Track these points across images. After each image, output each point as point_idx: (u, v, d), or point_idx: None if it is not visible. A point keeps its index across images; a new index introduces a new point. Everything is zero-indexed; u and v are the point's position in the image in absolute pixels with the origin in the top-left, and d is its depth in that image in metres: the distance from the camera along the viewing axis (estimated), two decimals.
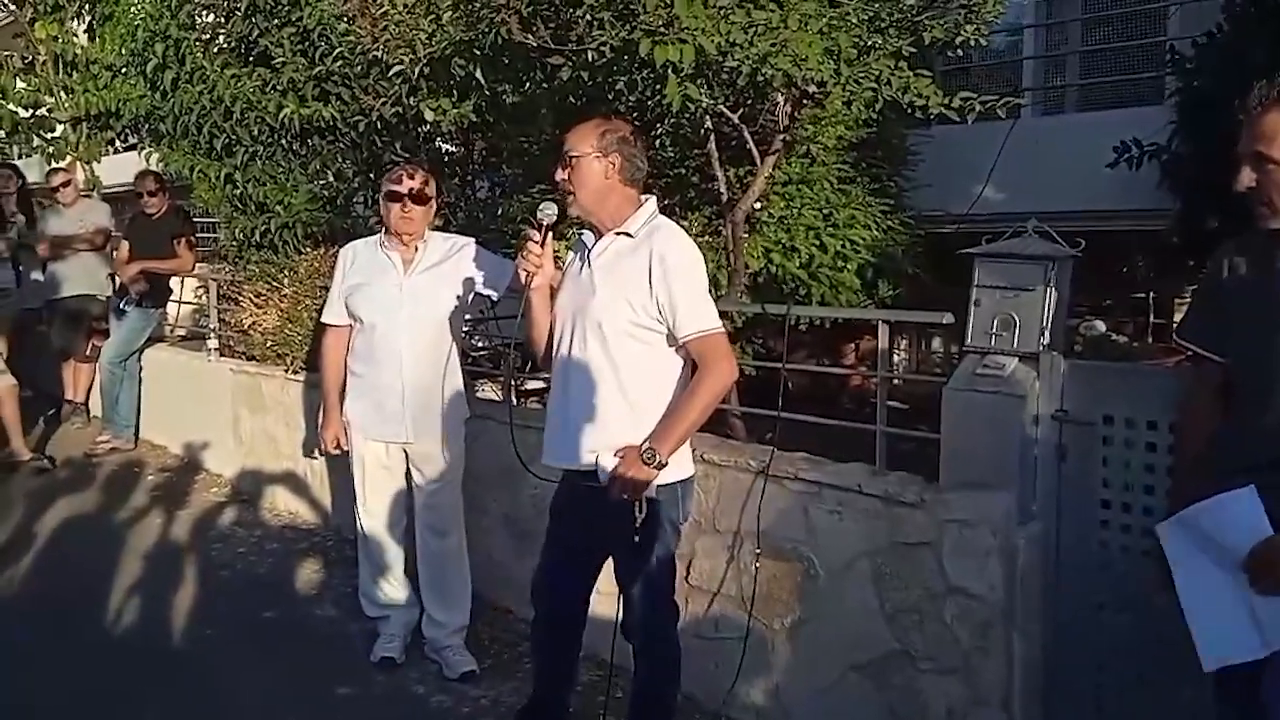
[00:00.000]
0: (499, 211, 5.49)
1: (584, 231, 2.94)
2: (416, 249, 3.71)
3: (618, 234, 2.82)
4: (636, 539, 2.76)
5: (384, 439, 3.75)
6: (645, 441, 2.72)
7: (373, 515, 3.85)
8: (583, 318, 2.82)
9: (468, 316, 3.99)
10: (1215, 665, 2.16)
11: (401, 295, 3.67)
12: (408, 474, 3.82)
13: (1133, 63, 5.88)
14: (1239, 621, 2.12)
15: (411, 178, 3.67)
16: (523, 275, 2.87)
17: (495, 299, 3.82)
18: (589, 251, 2.87)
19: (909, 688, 3.06)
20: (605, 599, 3.20)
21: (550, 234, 2.87)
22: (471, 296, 3.71)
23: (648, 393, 2.80)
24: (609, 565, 3.02)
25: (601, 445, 2.78)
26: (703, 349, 2.75)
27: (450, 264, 3.70)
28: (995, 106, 3.48)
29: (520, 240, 2.87)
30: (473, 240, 3.84)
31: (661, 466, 2.71)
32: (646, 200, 2.88)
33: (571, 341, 2.85)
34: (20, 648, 3.98)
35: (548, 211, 2.85)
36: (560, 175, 2.82)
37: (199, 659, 3.96)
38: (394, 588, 3.92)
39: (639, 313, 2.75)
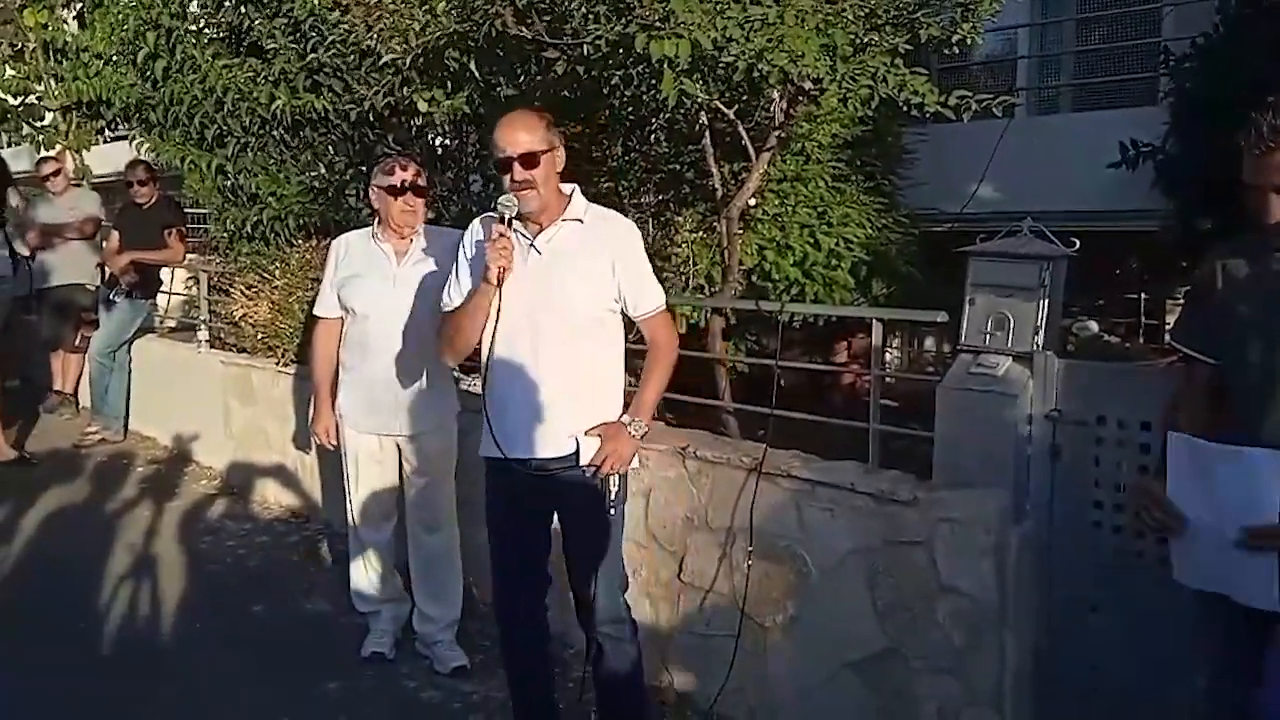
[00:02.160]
0: (492, 206, 5.46)
1: (514, 220, 2.88)
2: (410, 241, 3.70)
3: (565, 220, 2.86)
4: (612, 512, 2.89)
5: (376, 431, 3.74)
6: (625, 415, 2.88)
7: (364, 509, 3.83)
8: (545, 305, 2.84)
9: None
10: (1182, 580, 2.22)
11: (395, 288, 3.65)
12: (399, 468, 3.81)
13: (1127, 63, 5.88)
14: (1209, 555, 2.14)
15: (405, 169, 3.66)
16: (495, 272, 2.79)
17: None
18: (530, 241, 2.86)
19: (901, 686, 3.06)
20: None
21: (510, 226, 2.83)
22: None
23: (610, 371, 2.95)
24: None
25: (579, 427, 2.86)
26: (657, 323, 2.95)
27: (444, 257, 3.68)
28: (991, 105, 3.48)
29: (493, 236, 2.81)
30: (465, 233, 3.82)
31: (644, 435, 2.90)
32: (571, 186, 2.94)
33: (534, 331, 2.84)
34: (5, 643, 3.95)
35: (508, 205, 2.80)
36: (524, 175, 2.77)
37: (187, 653, 3.94)
38: (385, 582, 3.91)
39: (603, 295, 2.86)
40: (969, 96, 3.44)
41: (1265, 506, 2.05)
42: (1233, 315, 2.24)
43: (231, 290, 6.15)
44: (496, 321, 2.84)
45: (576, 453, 2.85)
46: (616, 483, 2.88)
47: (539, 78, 4.20)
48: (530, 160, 2.77)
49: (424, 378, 3.68)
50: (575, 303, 2.84)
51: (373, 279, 3.69)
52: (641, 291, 2.90)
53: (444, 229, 3.89)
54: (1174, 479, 2.20)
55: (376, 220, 3.76)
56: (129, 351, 7.00)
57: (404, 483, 3.83)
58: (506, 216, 2.80)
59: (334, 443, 3.86)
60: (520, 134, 2.80)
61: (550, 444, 2.87)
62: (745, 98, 3.98)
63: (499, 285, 2.80)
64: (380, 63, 4.27)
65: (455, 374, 3.90)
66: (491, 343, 2.87)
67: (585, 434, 2.84)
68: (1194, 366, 2.40)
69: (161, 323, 7.71)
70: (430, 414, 3.70)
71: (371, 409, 3.72)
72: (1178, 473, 2.20)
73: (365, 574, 3.91)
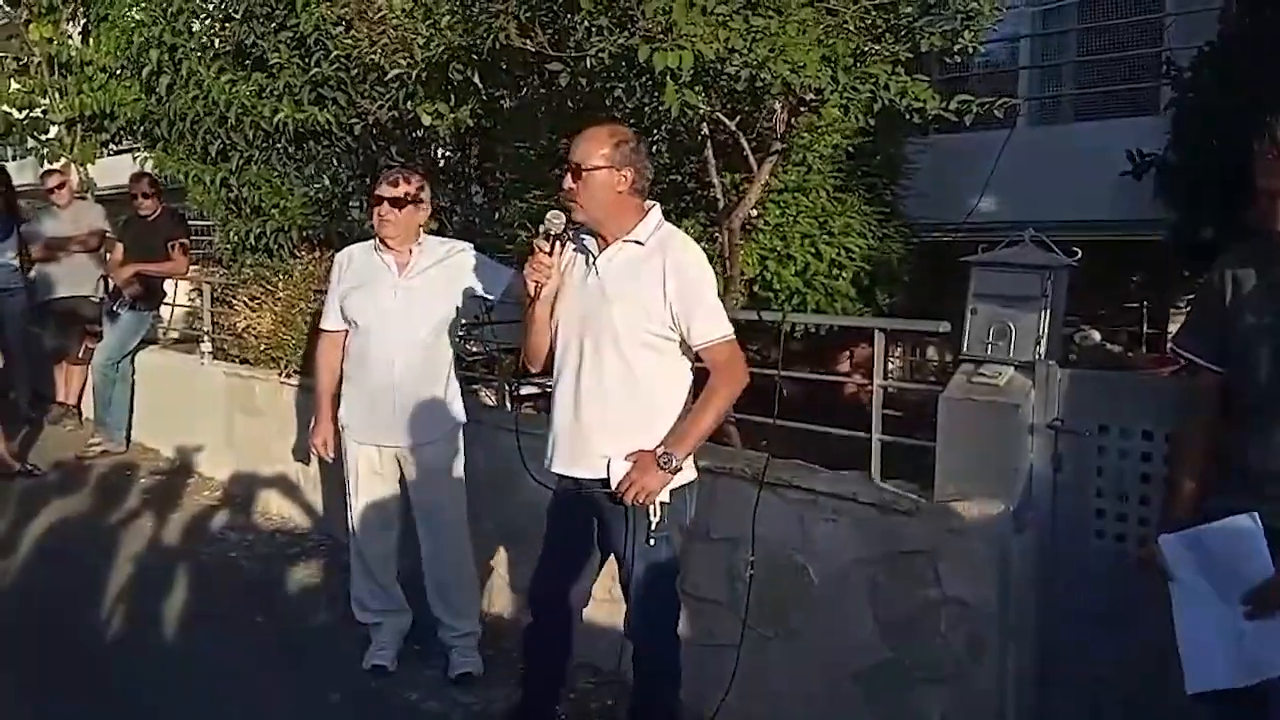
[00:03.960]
0: (495, 217, 5.48)
1: (585, 236, 2.91)
2: (411, 252, 3.70)
3: (627, 241, 2.82)
4: (650, 542, 2.79)
5: (375, 443, 3.75)
6: (660, 446, 2.76)
7: (365, 521, 3.83)
8: (594, 325, 2.82)
9: (463, 321, 3.98)
10: (1199, 688, 2.18)
11: (395, 299, 3.66)
12: (401, 479, 3.80)
13: (1129, 73, 5.89)
14: (1228, 648, 2.14)
15: (396, 184, 3.66)
16: (531, 286, 2.83)
17: (490, 304, 3.81)
18: (594, 258, 2.86)
19: (903, 697, 3.06)
20: (602, 605, 3.19)
21: (558, 243, 2.85)
22: (466, 302, 3.70)
23: (660, 398, 2.84)
24: (609, 570, 3.02)
25: (615, 451, 2.79)
26: (717, 355, 2.80)
27: (445, 268, 3.69)
28: (992, 108, 3.48)
29: (532, 250, 2.83)
30: (469, 246, 3.82)
31: (677, 470, 2.76)
32: (651, 207, 2.89)
33: (582, 349, 2.85)
34: (10, 652, 3.95)
35: (555, 221, 2.80)
36: (568, 185, 2.79)
37: (189, 664, 3.93)
38: (386, 594, 3.90)
39: (654, 321, 2.78)
40: (970, 100, 3.46)
41: (1260, 567, 2.08)
42: (1240, 324, 2.24)
43: (234, 302, 6.16)
44: (555, 336, 2.89)
45: (610, 477, 2.79)
46: (656, 512, 2.77)
47: (542, 90, 4.21)
48: (576, 173, 2.77)
49: (424, 390, 3.68)
50: (620, 325, 2.79)
51: (373, 291, 3.69)
52: (696, 319, 2.77)
53: (449, 240, 3.88)
54: (1174, 585, 2.25)
55: None
56: (132, 363, 7.00)
57: (408, 494, 3.82)
58: (550, 232, 2.80)
59: (332, 454, 3.89)
60: (580, 145, 2.80)
61: (584, 463, 2.86)
62: (747, 108, 3.99)
63: (534, 299, 2.85)
64: (387, 77, 4.28)
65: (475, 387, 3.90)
66: (554, 357, 2.92)
67: (625, 458, 2.76)
68: (1198, 374, 2.40)
69: (165, 334, 7.72)
70: (430, 426, 3.69)
71: (370, 420, 3.72)
72: (1178, 576, 2.24)
73: (365, 585, 3.90)
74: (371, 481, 3.80)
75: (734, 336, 2.84)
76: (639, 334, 2.78)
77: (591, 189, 2.76)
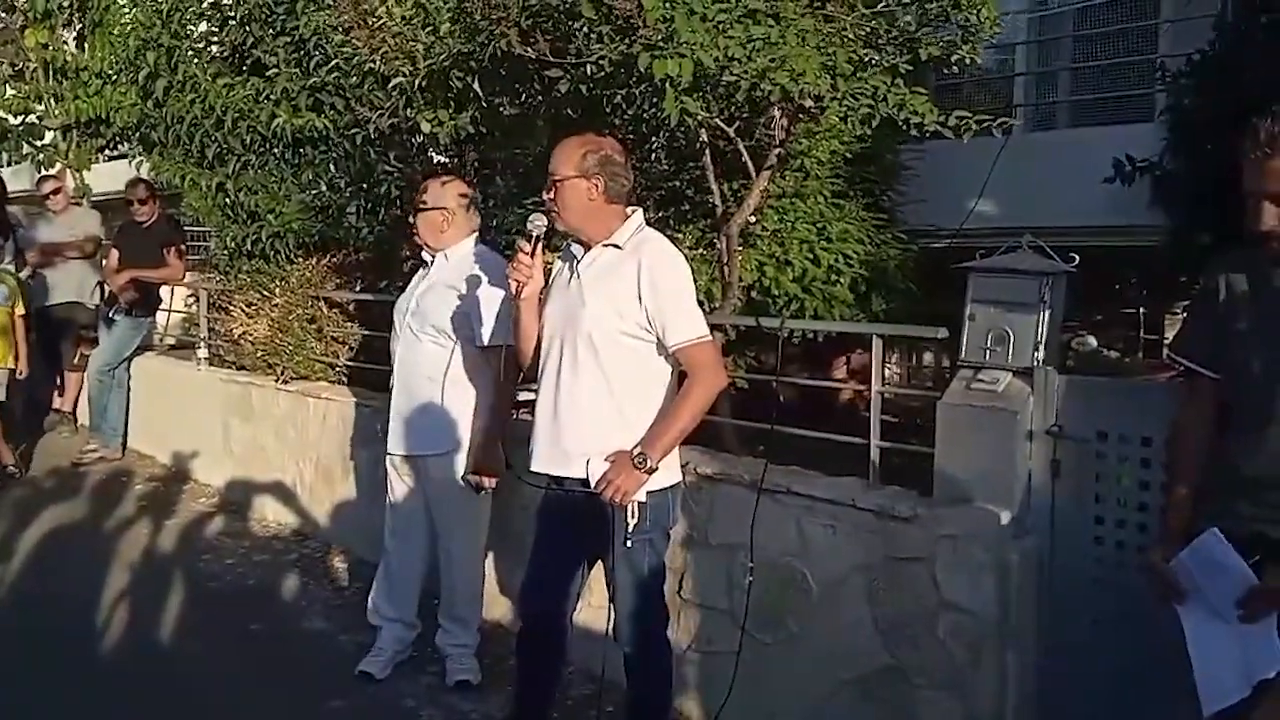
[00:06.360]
0: (493, 223, 5.48)
1: (573, 243, 2.98)
2: (435, 260, 3.74)
3: (605, 246, 2.89)
4: (629, 544, 2.81)
5: (391, 449, 3.81)
6: (636, 447, 2.78)
7: (389, 525, 3.90)
8: (572, 327, 2.87)
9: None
10: (1213, 709, 2.19)
11: (409, 307, 3.71)
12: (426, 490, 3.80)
13: (1124, 79, 5.90)
14: (1231, 664, 2.15)
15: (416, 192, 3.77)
16: (513, 285, 2.93)
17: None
18: (577, 262, 2.93)
19: (902, 703, 3.06)
20: (596, 612, 3.19)
21: (540, 245, 2.93)
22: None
23: (637, 399, 2.87)
24: (599, 575, 3.03)
25: (593, 451, 2.83)
26: (691, 357, 2.83)
27: (453, 280, 3.65)
28: (991, 126, 3.49)
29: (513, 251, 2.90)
30: (485, 277, 3.63)
31: (652, 471, 2.78)
32: (634, 212, 2.95)
33: (561, 350, 2.90)
34: (4, 660, 3.93)
35: (537, 223, 2.92)
36: (546, 195, 2.91)
37: (186, 671, 3.92)
38: (392, 602, 3.89)
39: (628, 322, 2.83)
40: (969, 117, 3.46)
41: (1237, 576, 2.09)
42: (1232, 328, 2.25)
43: (231, 308, 6.16)
44: (539, 340, 2.96)
45: (588, 476, 2.83)
46: (634, 513, 2.80)
47: (542, 97, 4.21)
48: (551, 183, 2.88)
49: (422, 398, 3.68)
50: (595, 325, 2.83)
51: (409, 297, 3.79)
52: (670, 320, 2.80)
53: (480, 259, 3.69)
54: (1182, 605, 2.24)
55: None
56: (128, 369, 6.99)
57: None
58: (532, 234, 2.91)
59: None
60: (555, 156, 2.91)
61: (562, 463, 2.90)
62: (746, 115, 4.00)
63: (517, 298, 2.93)
64: (390, 85, 4.29)
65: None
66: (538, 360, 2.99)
67: (605, 459, 2.80)
68: (1195, 381, 2.40)
69: (161, 340, 7.72)
70: (433, 438, 3.68)
71: (392, 428, 3.79)
72: (1186, 596, 2.23)
73: (382, 587, 3.92)
74: (396, 487, 3.85)
75: (710, 338, 2.89)
76: (614, 334, 2.83)
77: (565, 197, 2.87)
